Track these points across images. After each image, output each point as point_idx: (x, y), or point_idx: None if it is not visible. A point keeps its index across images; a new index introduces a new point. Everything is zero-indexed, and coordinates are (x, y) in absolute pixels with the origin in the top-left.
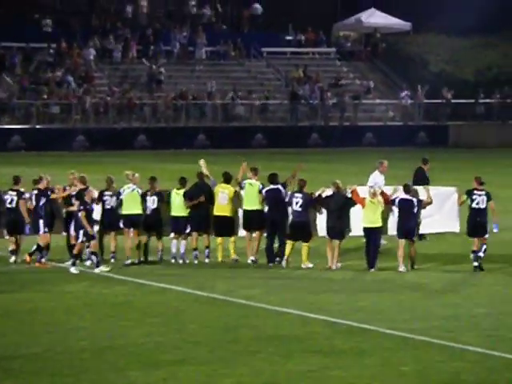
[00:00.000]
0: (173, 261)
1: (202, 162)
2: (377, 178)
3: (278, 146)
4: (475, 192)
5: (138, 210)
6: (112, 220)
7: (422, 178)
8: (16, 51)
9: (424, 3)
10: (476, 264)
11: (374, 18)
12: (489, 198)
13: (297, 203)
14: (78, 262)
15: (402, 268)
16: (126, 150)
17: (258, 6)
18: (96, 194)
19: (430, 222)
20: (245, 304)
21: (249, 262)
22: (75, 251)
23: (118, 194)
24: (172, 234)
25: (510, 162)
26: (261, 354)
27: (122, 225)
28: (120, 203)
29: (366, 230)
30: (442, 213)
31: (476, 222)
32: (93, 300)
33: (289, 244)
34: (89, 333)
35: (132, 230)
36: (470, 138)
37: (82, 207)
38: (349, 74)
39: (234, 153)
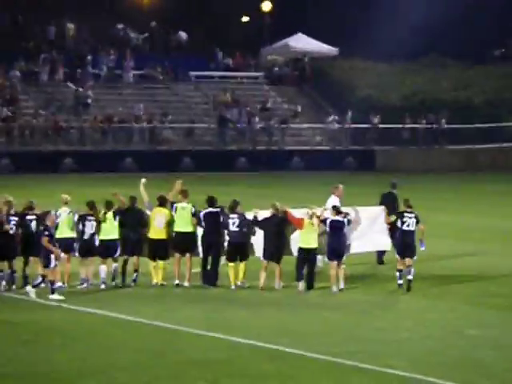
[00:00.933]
0: (103, 286)
1: (143, 180)
2: (333, 203)
3: (205, 170)
4: (405, 214)
5: (72, 234)
6: (31, 244)
7: (393, 202)
8: None
9: (351, 29)
10: (400, 282)
11: (302, 42)
12: (418, 221)
13: (233, 224)
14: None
15: (335, 289)
16: (52, 173)
17: (183, 33)
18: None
19: (362, 242)
20: (171, 328)
21: (185, 284)
22: (51, 277)
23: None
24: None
25: (436, 186)
26: (187, 378)
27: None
28: (56, 227)
29: (302, 250)
30: (372, 232)
31: (405, 243)
32: (16, 325)
33: (231, 267)
34: (10, 358)
35: (65, 253)
36: (396, 163)
37: (46, 232)
38: (276, 99)
39: (161, 177)
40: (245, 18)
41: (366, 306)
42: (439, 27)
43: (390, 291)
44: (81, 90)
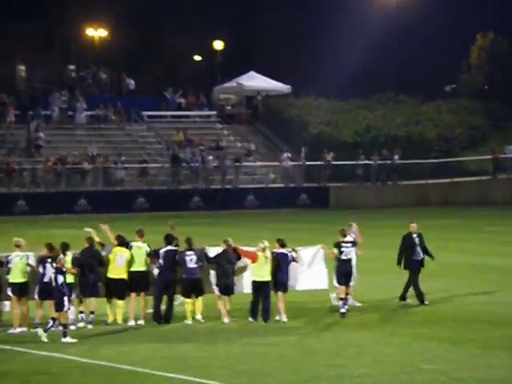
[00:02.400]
0: (60, 328)
1: (104, 227)
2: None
3: (159, 210)
4: (342, 244)
5: (26, 278)
6: None
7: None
8: None
9: (303, 67)
10: (343, 311)
11: (254, 81)
12: (354, 245)
13: (191, 260)
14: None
15: (284, 318)
16: (5, 215)
17: (131, 81)
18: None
19: (300, 280)
20: (129, 369)
21: (131, 324)
22: (64, 320)
23: (6, 263)
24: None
25: (389, 222)
26: None
27: (10, 293)
28: (8, 271)
29: (255, 283)
30: (311, 270)
31: (344, 272)
32: None
33: (188, 303)
34: None
35: (19, 297)
36: (350, 200)
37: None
38: (229, 137)
39: (116, 217)
40: (197, 57)
41: (324, 345)
42: (391, 64)
43: (346, 326)
44: (32, 131)
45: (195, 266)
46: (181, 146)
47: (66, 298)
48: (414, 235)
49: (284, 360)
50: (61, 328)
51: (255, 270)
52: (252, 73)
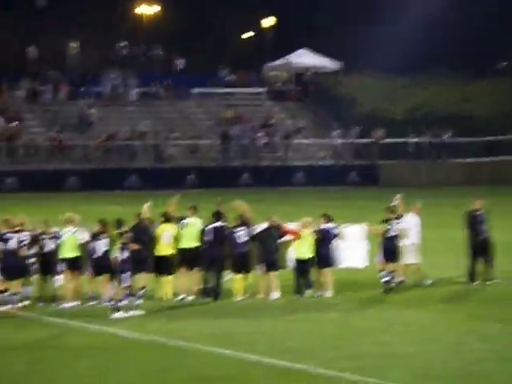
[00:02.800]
0: (112, 302)
1: (147, 205)
2: (412, 219)
3: (209, 186)
4: (389, 222)
5: (78, 253)
6: (50, 263)
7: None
8: None
9: (354, 43)
10: (392, 284)
11: (305, 58)
12: (400, 221)
13: (241, 236)
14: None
15: (328, 293)
16: (56, 191)
17: (181, 58)
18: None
19: (341, 257)
20: (179, 344)
21: (189, 298)
22: (119, 296)
23: (56, 237)
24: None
25: (440, 200)
26: None
27: (62, 268)
28: (59, 246)
29: (298, 260)
30: (353, 248)
31: (391, 249)
32: (24, 343)
33: (236, 279)
34: (21, 377)
35: (71, 272)
36: (400, 177)
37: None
38: (279, 114)
39: (166, 194)
40: (247, 34)
41: (369, 322)
42: (442, 41)
43: (392, 304)
44: (84, 108)
45: (245, 241)
46: (231, 122)
47: (127, 274)
48: (478, 212)
49: (328, 337)
50: (113, 302)
51: (297, 247)
52: (303, 50)
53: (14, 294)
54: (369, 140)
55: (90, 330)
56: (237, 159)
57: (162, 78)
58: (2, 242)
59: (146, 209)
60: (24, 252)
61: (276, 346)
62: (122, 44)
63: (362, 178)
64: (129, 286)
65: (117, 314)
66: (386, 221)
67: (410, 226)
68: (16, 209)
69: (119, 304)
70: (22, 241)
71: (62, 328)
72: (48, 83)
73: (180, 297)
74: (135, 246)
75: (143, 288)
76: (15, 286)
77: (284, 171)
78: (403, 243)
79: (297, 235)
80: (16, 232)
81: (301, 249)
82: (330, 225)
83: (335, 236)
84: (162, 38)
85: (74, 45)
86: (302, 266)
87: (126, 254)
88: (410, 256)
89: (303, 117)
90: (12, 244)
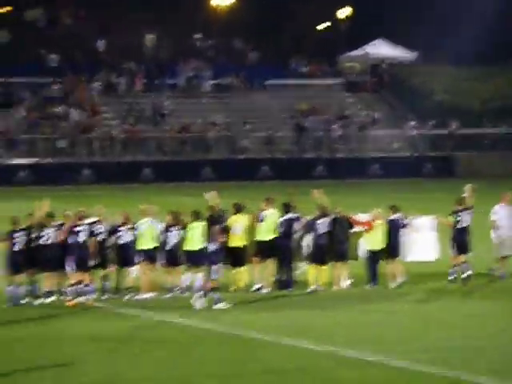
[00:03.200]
0: (187, 293)
1: (210, 194)
2: (501, 210)
3: (283, 178)
4: (459, 213)
5: (154, 245)
6: (127, 254)
7: None
8: (23, 86)
9: (430, 34)
10: (464, 276)
11: (380, 48)
12: (470, 213)
13: (323, 227)
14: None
15: (397, 283)
16: (131, 183)
17: (255, 50)
18: None
19: (411, 250)
20: (252, 337)
21: (263, 291)
22: (210, 286)
23: (134, 229)
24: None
25: None
26: None
27: (139, 259)
28: (136, 238)
29: (369, 251)
30: (422, 241)
31: (461, 240)
32: (100, 334)
33: (312, 270)
34: (96, 367)
35: (148, 264)
36: (476, 168)
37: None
38: (354, 105)
39: (240, 186)
40: (322, 26)
41: (445, 315)
42: None
43: (462, 294)
44: (159, 100)
45: (324, 232)
46: (305, 114)
47: (215, 266)
48: None
49: (404, 328)
50: (201, 295)
51: (369, 238)
52: (378, 40)
53: (87, 286)
54: (444, 131)
55: (164, 322)
56: (311, 151)
57: (237, 70)
58: (75, 235)
59: (212, 196)
60: (94, 244)
61: (352, 337)
62: (197, 36)
63: (437, 169)
64: (217, 279)
65: (198, 304)
66: (455, 212)
67: (500, 217)
68: (92, 200)
69: (206, 296)
70: (100, 232)
71: (137, 319)
72: (123, 75)
73: (254, 287)
74: (223, 239)
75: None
76: (88, 277)
77: (359, 163)
78: (498, 235)
79: (369, 226)
80: (92, 224)
81: (373, 239)
82: (397, 215)
83: (404, 226)
84: (237, 30)
85: (149, 37)
86: (374, 256)
87: (214, 247)
88: (506, 248)
89: (378, 108)
90: (83, 236)
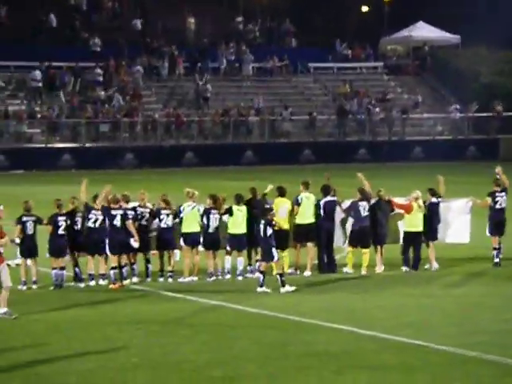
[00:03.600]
0: (228, 276)
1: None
2: None
3: (325, 162)
4: (497, 194)
5: (198, 228)
6: (169, 238)
7: None
8: (66, 71)
9: (472, 16)
10: (497, 260)
11: (422, 31)
12: (506, 193)
13: (364, 209)
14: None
15: (434, 266)
16: (173, 167)
17: (295, 34)
18: None
19: (447, 232)
20: (295, 320)
21: (305, 274)
22: (263, 268)
23: (178, 212)
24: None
25: None
26: (311, 370)
27: (182, 243)
28: (180, 221)
29: (408, 233)
30: (457, 223)
31: (498, 222)
32: (143, 317)
33: (350, 252)
34: (140, 349)
35: (191, 248)
36: None
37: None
38: (396, 89)
39: (282, 169)
40: (364, 8)
41: (489, 299)
42: None
43: (504, 277)
44: (200, 83)
45: (366, 215)
46: (347, 97)
47: (274, 249)
48: None
49: (447, 312)
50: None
51: (408, 221)
52: (420, 23)
53: (123, 267)
54: (488, 114)
55: (208, 305)
56: (353, 134)
57: (278, 53)
58: (112, 217)
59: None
60: (135, 227)
61: (395, 321)
62: (239, 19)
63: (481, 152)
64: (277, 260)
65: (286, 288)
66: (492, 194)
67: None
68: (134, 185)
69: (283, 278)
70: (142, 216)
71: (181, 303)
72: (165, 59)
73: (290, 271)
74: (279, 225)
75: (257, 261)
76: (129, 260)
77: (401, 146)
78: None
79: (409, 208)
80: (135, 208)
81: (411, 222)
82: (434, 199)
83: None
84: (279, 13)
85: (191, 20)
86: (413, 239)
87: (270, 231)
88: None
89: (421, 91)
90: (125, 219)
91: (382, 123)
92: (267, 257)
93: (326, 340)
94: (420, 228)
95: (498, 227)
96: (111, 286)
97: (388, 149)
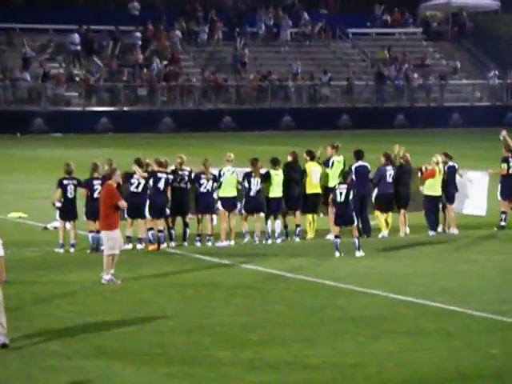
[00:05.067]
0: (270, 241)
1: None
2: None
3: (363, 127)
4: (510, 159)
5: (235, 193)
6: (209, 202)
7: None
8: (104, 34)
9: None
10: (504, 224)
11: None
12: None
13: (390, 175)
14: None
15: (455, 231)
16: (211, 131)
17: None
18: None
19: (464, 203)
20: (331, 285)
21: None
22: (355, 234)
23: (218, 177)
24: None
25: None
26: (347, 334)
27: (220, 207)
28: (219, 185)
29: (429, 197)
30: (474, 195)
31: (509, 186)
32: (180, 280)
33: (380, 217)
34: (177, 312)
35: (228, 212)
36: None
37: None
38: (435, 55)
39: (319, 134)
40: None
41: None
42: None
43: None
44: (239, 48)
45: (391, 181)
46: (385, 63)
47: (354, 213)
48: None
49: (486, 279)
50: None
51: (430, 185)
52: None
53: (160, 231)
54: None
55: (243, 269)
56: (391, 100)
57: (317, 18)
58: (154, 181)
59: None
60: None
61: (432, 287)
62: None
63: None
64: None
65: (358, 253)
66: (505, 159)
67: None
68: (172, 149)
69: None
70: (181, 180)
71: (218, 267)
72: (204, 24)
73: (328, 236)
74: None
75: (298, 226)
76: (165, 224)
77: (439, 112)
78: None
79: (433, 173)
80: (173, 172)
81: (434, 186)
82: (451, 163)
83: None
84: None
85: None
86: (435, 202)
87: (351, 195)
88: None
89: (459, 57)
90: (162, 183)
91: (421, 89)
92: (347, 220)
93: (361, 305)
94: (439, 192)
95: (508, 192)
96: (149, 247)
97: (426, 115)
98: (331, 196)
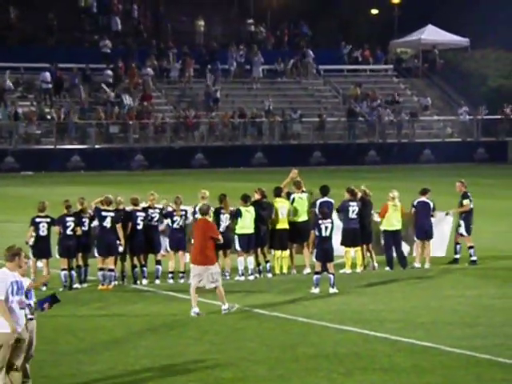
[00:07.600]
0: (242, 278)
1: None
2: None
3: (335, 164)
4: (469, 194)
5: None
6: (181, 239)
7: None
8: (75, 72)
9: (481, 19)
10: (475, 258)
11: (432, 34)
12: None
13: (353, 211)
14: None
15: (417, 264)
16: (183, 168)
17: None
18: None
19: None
20: (304, 322)
21: (305, 271)
22: (332, 270)
23: (194, 213)
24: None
25: None
26: (320, 371)
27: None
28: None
29: (389, 232)
30: (434, 236)
31: (471, 223)
32: (152, 318)
33: (348, 252)
34: (149, 351)
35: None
36: None
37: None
38: (406, 91)
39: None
40: (374, 11)
41: (499, 302)
42: None
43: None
44: (210, 85)
45: (356, 216)
46: (357, 99)
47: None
48: None
49: (459, 314)
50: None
51: (387, 220)
52: (429, 26)
53: (111, 271)
54: (497, 117)
55: (216, 306)
56: (363, 136)
57: (289, 55)
58: (100, 219)
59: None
60: (120, 230)
61: (406, 322)
62: (248, 21)
63: (490, 154)
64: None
65: (332, 290)
66: (465, 195)
67: None
68: (144, 186)
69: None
70: (152, 217)
71: (188, 303)
72: (175, 61)
73: (305, 270)
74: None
75: (268, 262)
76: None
77: (411, 148)
78: None
79: (385, 208)
80: (145, 209)
81: (390, 221)
82: (423, 198)
83: (433, 209)
84: (289, 15)
85: (200, 22)
86: (392, 237)
87: (329, 232)
88: None
89: (430, 94)
90: (108, 221)
91: (392, 125)
92: (327, 257)
93: (334, 342)
94: (398, 226)
95: (470, 229)
96: (99, 286)
97: (397, 151)
98: (313, 232)
